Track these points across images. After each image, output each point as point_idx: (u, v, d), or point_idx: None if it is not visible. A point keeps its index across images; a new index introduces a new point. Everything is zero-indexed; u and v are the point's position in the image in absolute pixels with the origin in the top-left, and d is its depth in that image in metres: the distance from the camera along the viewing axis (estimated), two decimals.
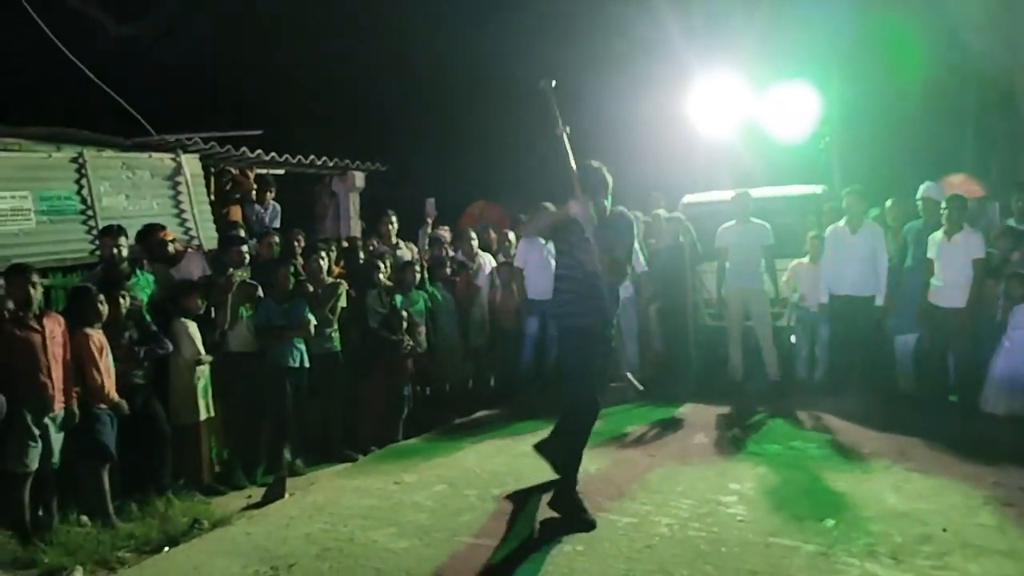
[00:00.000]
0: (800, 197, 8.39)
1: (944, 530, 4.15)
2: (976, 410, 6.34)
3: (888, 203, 7.57)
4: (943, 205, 6.67)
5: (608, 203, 4.58)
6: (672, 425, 6.52)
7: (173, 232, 5.99)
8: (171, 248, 5.70)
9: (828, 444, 5.89)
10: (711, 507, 4.61)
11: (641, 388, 6.58)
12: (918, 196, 7.07)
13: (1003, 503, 4.54)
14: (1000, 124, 11.24)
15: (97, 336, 4.70)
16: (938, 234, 6.64)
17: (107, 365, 4.73)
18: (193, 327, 5.30)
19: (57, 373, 4.44)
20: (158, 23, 11.84)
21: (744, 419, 6.60)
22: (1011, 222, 7.06)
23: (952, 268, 6.53)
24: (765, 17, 11.57)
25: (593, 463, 5.51)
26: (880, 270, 6.96)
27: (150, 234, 5.60)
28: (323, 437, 6.16)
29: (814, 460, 5.53)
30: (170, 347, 5.12)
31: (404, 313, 6.56)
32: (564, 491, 4.43)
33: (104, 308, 4.74)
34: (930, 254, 6.67)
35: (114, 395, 4.71)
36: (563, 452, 4.56)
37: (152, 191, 6.63)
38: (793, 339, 7.68)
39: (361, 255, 7.27)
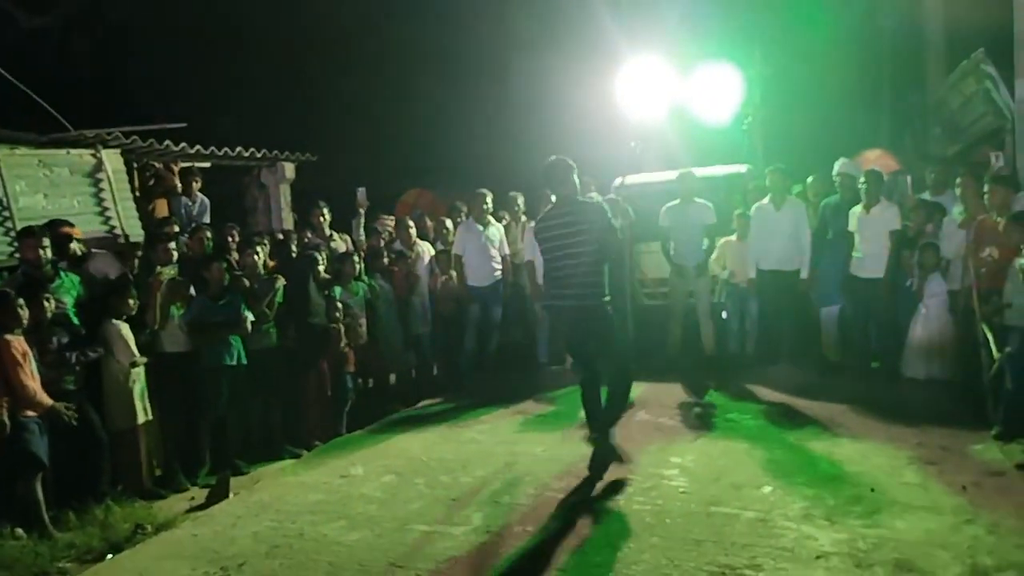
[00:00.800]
0: (726, 177, 8.62)
1: (872, 490, 4.38)
2: (898, 375, 6.71)
3: (809, 180, 7.87)
4: (861, 180, 6.98)
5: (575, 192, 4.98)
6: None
7: (81, 231, 5.72)
8: (73, 247, 5.45)
9: (762, 414, 6.13)
10: (654, 481, 4.75)
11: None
12: (834, 172, 7.38)
13: (925, 462, 4.81)
14: (913, 99, 11.74)
15: (18, 342, 4.51)
16: (857, 208, 6.94)
17: (31, 371, 4.55)
18: (125, 328, 5.15)
19: None
20: (70, 13, 11.27)
21: (682, 395, 6.80)
22: (925, 195, 7.44)
23: (871, 240, 6.84)
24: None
25: (540, 444, 5.62)
26: (804, 244, 7.24)
27: (51, 229, 5.34)
28: (265, 434, 6.08)
29: (750, 431, 5.75)
30: (100, 350, 4.97)
31: (339, 305, 6.50)
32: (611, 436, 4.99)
33: (24, 313, 4.55)
34: (851, 227, 6.97)
35: (45, 399, 4.53)
36: (616, 413, 5.10)
37: (72, 189, 6.35)
38: (724, 315, 7.92)
39: (294, 248, 7.18)
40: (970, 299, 5.70)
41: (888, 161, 10.76)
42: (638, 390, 6.97)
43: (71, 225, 5.58)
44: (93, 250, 5.85)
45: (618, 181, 8.91)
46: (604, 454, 4.90)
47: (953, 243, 6.36)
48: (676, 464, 5.04)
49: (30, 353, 4.56)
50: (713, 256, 7.79)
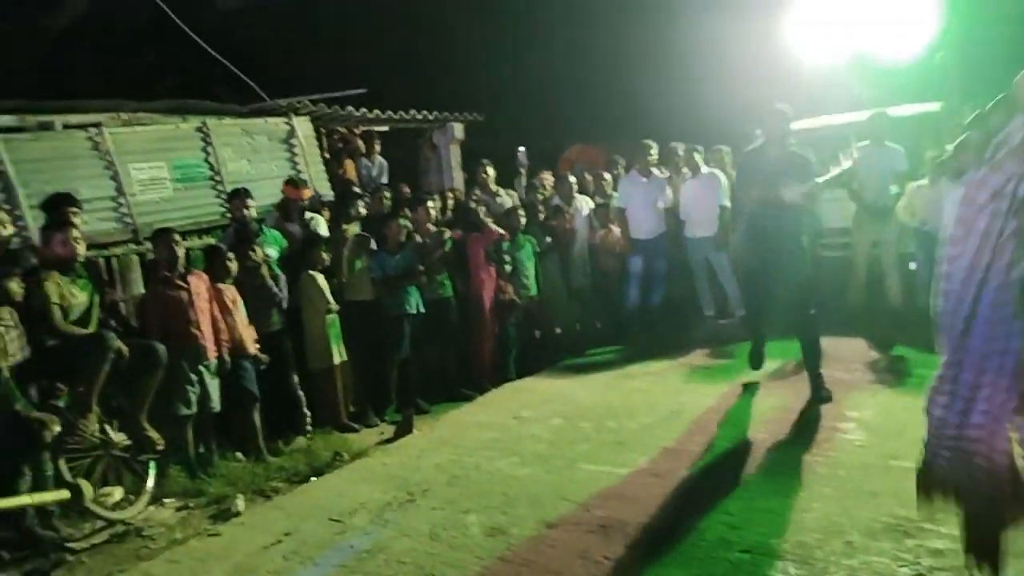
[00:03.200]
0: (915, 117, 7.95)
1: None
2: None
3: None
4: None
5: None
6: (783, 359, 6.47)
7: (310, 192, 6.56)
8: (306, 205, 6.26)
9: None
10: (828, 434, 4.62)
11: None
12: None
13: None
14: None
15: (229, 291, 5.14)
16: None
17: (242, 318, 5.17)
18: (321, 279, 5.68)
19: (206, 326, 4.90)
20: None
21: (864, 350, 6.47)
22: None
23: None
24: None
25: (706, 395, 5.61)
26: None
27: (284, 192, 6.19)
28: (443, 377, 6.50)
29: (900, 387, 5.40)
30: (281, 296, 5.46)
31: (507, 258, 6.78)
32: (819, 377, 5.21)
33: (233, 265, 5.16)
34: None
35: (251, 347, 5.15)
36: (816, 359, 5.27)
37: (270, 154, 7.03)
38: (913, 265, 7.39)
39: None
40: None
41: None
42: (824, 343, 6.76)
43: (298, 186, 6.29)
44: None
45: (796, 125, 8.49)
46: (820, 398, 5.13)
47: None
48: (853, 418, 4.85)
49: (239, 300, 5.18)
50: (901, 203, 7.25)
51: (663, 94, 11.88)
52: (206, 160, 6.56)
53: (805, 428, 4.75)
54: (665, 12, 12.27)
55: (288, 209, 6.15)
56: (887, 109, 7.27)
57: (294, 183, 6.28)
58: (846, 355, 6.32)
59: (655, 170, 7.92)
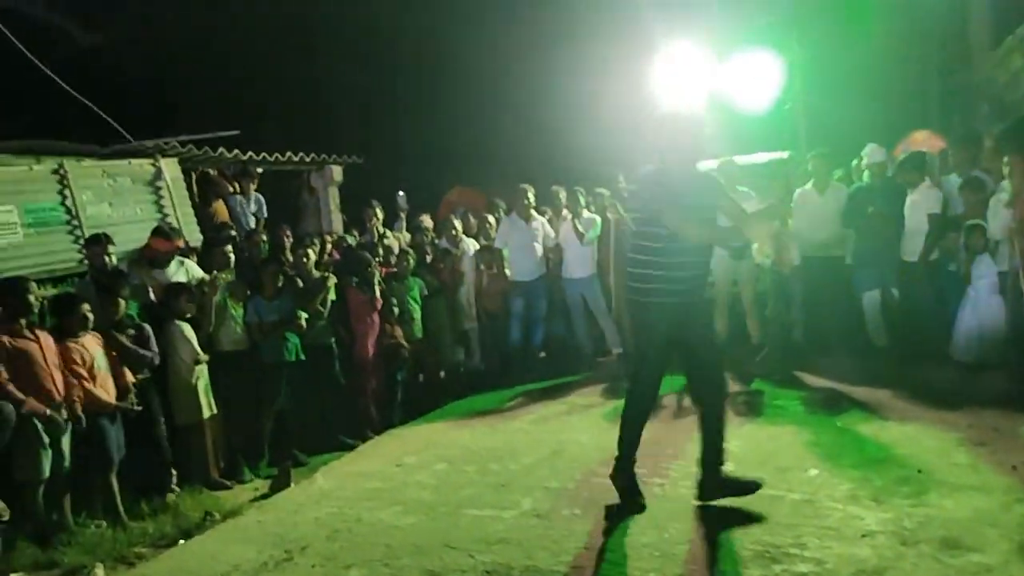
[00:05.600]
0: (767, 164, 8.59)
1: (920, 471, 4.39)
2: (946, 359, 6.63)
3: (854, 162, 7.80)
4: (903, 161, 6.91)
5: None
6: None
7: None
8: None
9: (809, 400, 6.15)
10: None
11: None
12: (864, 160, 7.33)
13: (976, 443, 4.80)
14: (960, 78, 11.48)
15: (89, 343, 4.80)
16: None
17: (102, 373, 4.82)
18: (187, 328, 5.43)
19: (60, 381, 4.55)
20: (122, 31, 11.79)
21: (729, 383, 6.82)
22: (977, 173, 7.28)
23: (915, 223, 6.78)
24: None
25: (585, 433, 5.75)
26: (848, 230, 7.19)
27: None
28: (322, 426, 6.31)
29: (796, 416, 5.79)
30: (150, 356, 5.15)
31: (394, 300, 6.74)
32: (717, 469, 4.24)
33: (90, 317, 4.83)
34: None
35: (111, 401, 4.82)
36: (719, 427, 4.30)
37: (134, 197, 6.68)
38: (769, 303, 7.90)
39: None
40: (1018, 280, 5.63)
41: (935, 142, 10.55)
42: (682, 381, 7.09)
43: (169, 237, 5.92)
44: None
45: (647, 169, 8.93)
46: (730, 491, 4.19)
47: (1000, 222, 6.24)
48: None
49: (97, 355, 4.83)
50: (755, 244, 7.75)
51: (537, 138, 12.29)
52: (62, 203, 6.16)
53: (679, 459, 4.94)
54: (533, 57, 12.76)
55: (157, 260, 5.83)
56: (735, 157, 7.81)
57: (164, 234, 5.91)
58: None
59: (534, 213, 8.13)
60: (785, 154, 8.98)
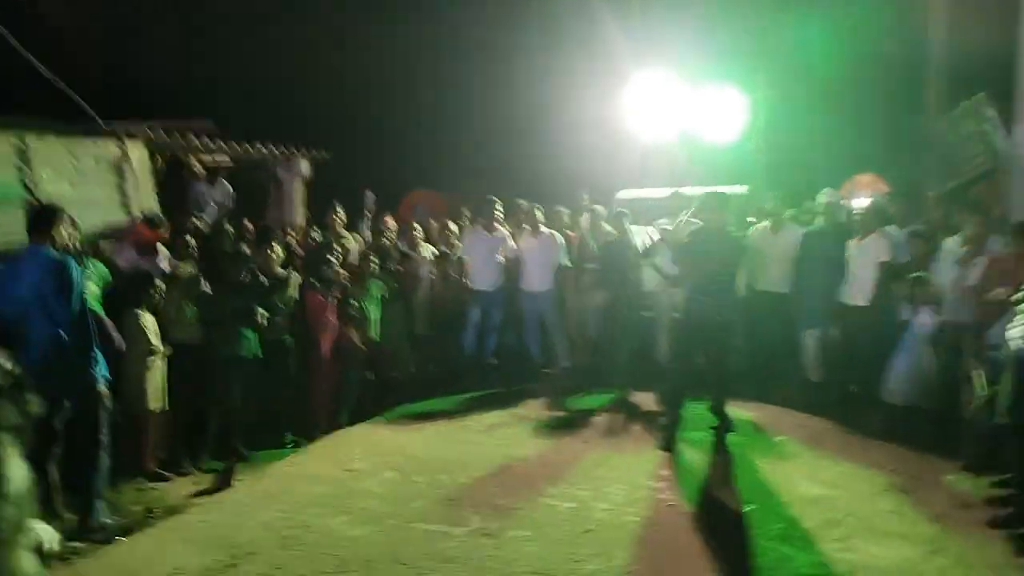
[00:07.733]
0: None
1: (849, 515, 4.64)
2: (878, 400, 6.93)
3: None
4: (855, 208, 7.18)
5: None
6: (604, 411, 6.93)
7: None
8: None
9: (747, 430, 6.38)
10: (643, 492, 5.00)
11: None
12: (820, 202, 7.64)
13: (900, 489, 5.08)
14: (908, 125, 11.94)
15: None
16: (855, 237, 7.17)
17: None
18: (147, 318, 5.35)
19: None
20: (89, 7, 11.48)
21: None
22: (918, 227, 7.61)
23: (861, 269, 7.07)
24: (697, 20, 12.01)
25: (534, 449, 5.87)
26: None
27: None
28: (267, 422, 6.24)
29: (735, 447, 6.00)
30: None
31: (354, 302, 6.74)
32: None
33: None
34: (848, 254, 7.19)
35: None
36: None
37: (97, 178, 6.51)
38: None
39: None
40: (959, 333, 5.91)
41: (880, 185, 11.00)
42: (630, 398, 7.29)
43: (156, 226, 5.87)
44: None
45: (620, 194, 9.14)
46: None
47: (947, 274, 6.43)
48: (664, 477, 5.29)
49: None
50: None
51: (503, 148, 12.39)
52: (21, 180, 5.98)
53: (623, 484, 5.10)
54: (507, 70, 12.87)
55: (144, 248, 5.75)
56: (684, 188, 8.04)
57: (152, 222, 5.87)
58: (654, 410, 6.84)
59: (499, 225, 8.23)
60: (743, 188, 9.23)
